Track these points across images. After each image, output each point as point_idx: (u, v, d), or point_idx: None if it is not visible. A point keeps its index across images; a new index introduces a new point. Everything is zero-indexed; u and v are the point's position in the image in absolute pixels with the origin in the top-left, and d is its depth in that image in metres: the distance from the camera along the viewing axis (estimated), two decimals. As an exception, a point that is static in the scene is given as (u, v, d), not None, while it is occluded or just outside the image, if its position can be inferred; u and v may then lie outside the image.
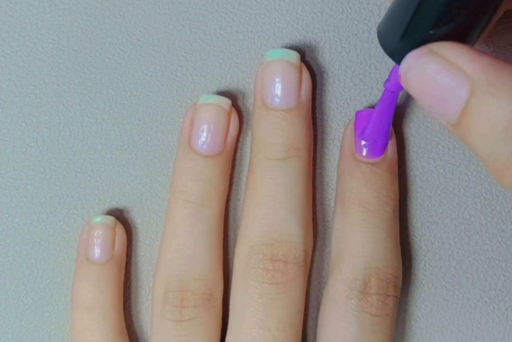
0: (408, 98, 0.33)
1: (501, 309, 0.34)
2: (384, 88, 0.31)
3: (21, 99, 0.34)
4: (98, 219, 0.33)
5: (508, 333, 0.34)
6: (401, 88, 0.30)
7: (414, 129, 0.34)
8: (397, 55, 0.27)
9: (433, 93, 0.25)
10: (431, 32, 0.26)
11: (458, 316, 0.34)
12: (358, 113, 0.33)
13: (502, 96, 0.23)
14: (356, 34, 0.33)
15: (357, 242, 0.32)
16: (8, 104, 0.34)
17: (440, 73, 0.24)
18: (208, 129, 0.32)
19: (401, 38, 0.26)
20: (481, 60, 0.24)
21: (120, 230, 0.33)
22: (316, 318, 0.34)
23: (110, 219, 0.33)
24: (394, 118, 0.33)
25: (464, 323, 0.34)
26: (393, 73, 0.30)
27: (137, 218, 0.34)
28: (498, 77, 0.24)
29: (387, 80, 0.30)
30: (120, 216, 0.34)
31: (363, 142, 0.32)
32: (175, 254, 0.32)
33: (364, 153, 0.32)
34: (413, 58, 0.25)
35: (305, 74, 0.32)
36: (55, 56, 0.34)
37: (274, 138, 0.32)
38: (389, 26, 0.27)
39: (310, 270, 0.33)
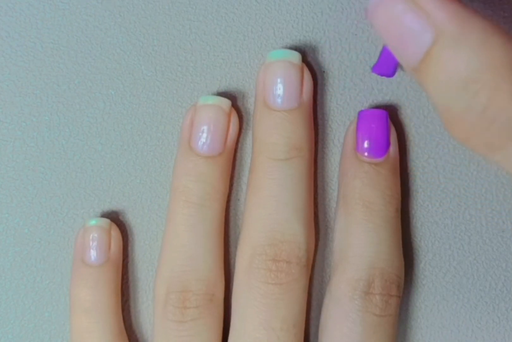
0: (408, 98, 0.33)
1: (501, 309, 0.34)
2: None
3: (21, 99, 0.34)
4: (93, 222, 0.33)
5: (508, 333, 0.34)
6: (390, 74, 0.30)
7: (414, 130, 0.34)
8: None
9: (397, 34, 0.24)
10: None
11: (458, 316, 0.34)
12: (360, 113, 0.33)
13: (464, 49, 0.23)
14: (356, 34, 0.33)
15: (361, 242, 0.32)
16: (8, 104, 0.34)
17: (407, 15, 0.24)
18: (208, 130, 0.32)
19: None
20: (450, 6, 0.24)
21: (115, 232, 0.33)
22: (317, 317, 0.34)
23: (105, 221, 0.33)
24: (394, 119, 0.33)
25: (464, 323, 0.34)
26: (382, 56, 0.29)
27: (137, 219, 0.34)
28: (463, 28, 0.23)
29: (374, 64, 0.30)
30: (120, 216, 0.34)
31: (365, 142, 0.32)
32: (176, 254, 0.32)
33: (366, 153, 0.32)
34: None
35: (307, 74, 0.32)
36: (55, 56, 0.34)
37: (276, 138, 0.32)
38: None
39: (312, 270, 0.33)
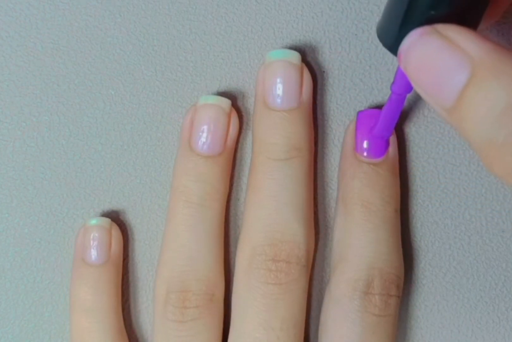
0: (408, 99, 0.33)
1: (501, 309, 0.34)
2: (390, 91, 0.30)
3: (21, 99, 0.34)
4: (93, 221, 0.33)
5: (508, 333, 0.34)
6: (407, 90, 0.30)
7: (414, 130, 0.34)
8: (397, 48, 0.26)
9: (433, 73, 0.24)
10: (427, 21, 0.25)
11: (458, 316, 0.34)
12: (360, 113, 0.33)
13: (503, 79, 0.23)
14: (356, 34, 0.33)
15: (360, 242, 0.32)
16: (8, 104, 0.34)
17: (442, 52, 0.24)
18: (208, 130, 0.32)
19: (399, 30, 0.26)
20: (484, 43, 0.24)
21: (116, 231, 0.33)
22: (316, 317, 0.34)
23: (106, 221, 0.33)
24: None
25: (464, 323, 0.34)
26: (398, 75, 0.29)
27: (137, 218, 0.34)
28: (500, 60, 0.23)
29: (393, 82, 0.30)
30: (119, 216, 0.34)
31: (365, 143, 0.32)
32: (176, 254, 0.32)
33: (365, 153, 0.32)
34: (416, 36, 0.25)
35: (306, 74, 0.32)
36: (55, 56, 0.34)
37: (276, 138, 0.32)
38: (386, 20, 0.27)
39: (312, 270, 0.33)
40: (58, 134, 0.34)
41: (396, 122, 0.32)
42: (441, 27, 0.24)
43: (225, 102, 0.33)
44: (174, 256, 0.32)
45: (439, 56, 0.24)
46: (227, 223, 0.34)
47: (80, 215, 0.34)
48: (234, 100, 0.33)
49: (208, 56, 0.34)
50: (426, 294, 0.34)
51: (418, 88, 0.25)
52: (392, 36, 0.27)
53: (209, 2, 0.33)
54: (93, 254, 0.33)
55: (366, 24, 0.33)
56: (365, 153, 0.32)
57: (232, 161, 0.34)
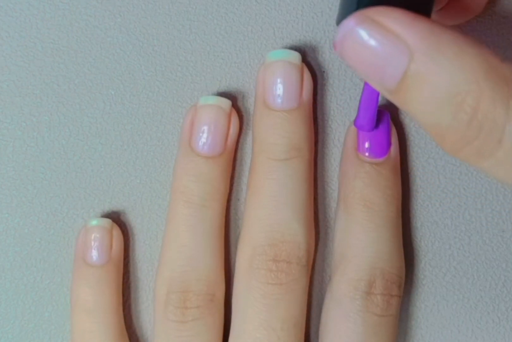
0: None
1: (501, 309, 0.34)
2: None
3: (21, 99, 0.34)
4: (94, 222, 0.33)
5: (508, 334, 0.34)
6: (369, 128, 0.31)
7: (414, 130, 0.34)
8: None
9: (371, 61, 0.24)
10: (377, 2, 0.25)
11: (458, 316, 0.34)
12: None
13: (441, 64, 0.23)
14: (356, 34, 0.33)
15: (362, 242, 0.32)
16: (8, 104, 0.34)
17: (378, 41, 0.24)
18: (208, 130, 0.32)
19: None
20: (419, 25, 0.24)
21: (117, 232, 0.33)
22: (316, 317, 0.34)
23: (107, 221, 0.33)
24: (394, 119, 0.33)
25: (464, 323, 0.34)
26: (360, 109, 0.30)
27: (137, 219, 0.34)
28: (436, 43, 0.23)
29: (355, 118, 0.31)
30: (120, 217, 0.34)
31: (366, 142, 0.32)
32: (177, 255, 0.32)
33: (367, 153, 0.32)
34: (349, 26, 0.25)
35: (306, 74, 0.32)
36: (55, 56, 0.34)
37: (276, 138, 0.32)
38: (341, 8, 0.27)
39: (312, 270, 0.33)
40: (58, 134, 0.34)
41: (374, 112, 0.31)
42: (374, 13, 0.24)
43: (225, 103, 0.33)
44: (175, 256, 0.32)
45: (375, 46, 0.24)
46: (227, 223, 0.34)
47: (80, 215, 0.34)
48: (234, 101, 0.33)
49: (208, 56, 0.34)
50: (426, 294, 0.34)
51: (358, 74, 0.26)
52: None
53: (209, 2, 0.33)
54: (94, 254, 0.33)
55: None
56: (367, 153, 0.32)
57: (232, 161, 0.34)
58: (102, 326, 0.33)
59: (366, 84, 0.30)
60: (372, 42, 0.24)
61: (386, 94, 0.25)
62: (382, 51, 0.24)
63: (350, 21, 0.25)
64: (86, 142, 0.34)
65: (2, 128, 0.34)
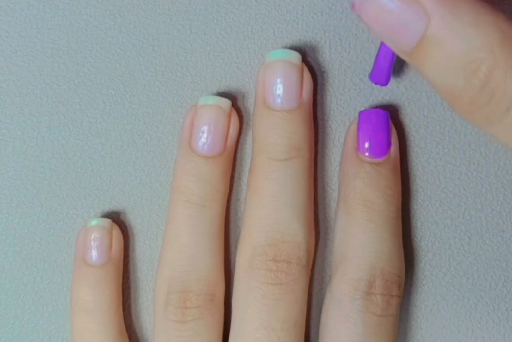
0: (408, 98, 0.33)
1: (501, 309, 0.34)
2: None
3: (21, 99, 0.34)
4: (94, 222, 0.33)
5: (508, 334, 0.34)
6: (384, 82, 0.31)
7: (414, 130, 0.34)
8: None
9: (389, 24, 0.25)
10: None
11: (458, 316, 0.34)
12: (361, 113, 0.33)
13: (458, 30, 0.24)
14: (356, 34, 0.33)
15: (362, 242, 0.32)
16: (8, 104, 0.34)
17: (397, 5, 0.25)
18: (208, 130, 0.32)
19: None
20: None
21: (116, 232, 0.33)
22: (316, 317, 0.34)
23: (107, 221, 0.33)
24: (394, 119, 0.33)
25: (464, 323, 0.34)
26: (376, 64, 0.30)
27: (137, 219, 0.34)
28: (454, 9, 0.24)
29: (370, 73, 0.30)
30: (119, 217, 0.34)
31: (366, 142, 0.32)
32: (177, 255, 0.32)
33: (367, 153, 0.32)
34: None
35: (306, 74, 0.32)
36: (55, 56, 0.34)
37: (276, 138, 0.32)
38: None
39: (312, 270, 0.33)
40: (58, 134, 0.34)
41: (390, 66, 0.31)
42: None
43: (225, 103, 0.33)
44: (175, 256, 0.32)
45: (394, 8, 0.25)
46: (227, 223, 0.34)
47: (80, 215, 0.34)
48: (234, 101, 0.33)
49: (208, 56, 0.34)
50: (426, 294, 0.34)
51: (376, 34, 0.26)
52: None
53: (209, 2, 0.33)
54: (94, 254, 0.33)
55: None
56: (367, 153, 0.32)
57: (233, 161, 0.34)
58: (102, 326, 0.33)
59: None
60: (392, 5, 0.25)
61: (402, 55, 0.26)
62: (400, 15, 0.25)
63: None
64: (86, 142, 0.34)
65: (2, 128, 0.34)
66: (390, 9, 0.25)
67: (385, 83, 0.32)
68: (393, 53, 0.31)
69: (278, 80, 0.32)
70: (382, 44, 0.31)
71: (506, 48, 0.24)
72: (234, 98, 0.33)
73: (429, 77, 0.26)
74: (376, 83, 0.32)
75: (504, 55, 0.24)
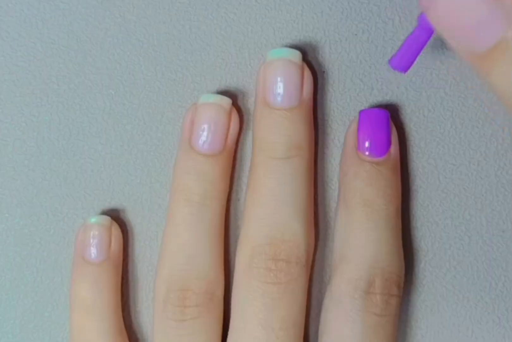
0: (408, 98, 0.33)
1: (502, 310, 0.34)
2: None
3: (21, 99, 0.34)
4: (93, 219, 0.33)
5: (508, 334, 0.34)
6: (405, 69, 0.29)
7: (414, 130, 0.34)
8: None
9: (463, 22, 0.23)
10: None
11: (458, 317, 0.34)
12: (361, 112, 0.33)
13: None
14: (356, 34, 0.33)
15: (361, 241, 0.32)
16: (8, 104, 0.34)
17: (477, 3, 0.23)
18: (208, 128, 0.32)
19: None
20: None
21: (116, 230, 0.33)
22: (316, 317, 0.34)
23: (106, 219, 0.33)
24: (394, 119, 0.33)
25: (464, 324, 0.34)
26: (402, 50, 0.29)
27: (137, 217, 0.34)
28: None
29: (392, 57, 0.29)
30: (119, 215, 0.34)
31: (366, 142, 0.32)
32: (176, 253, 0.32)
33: (367, 152, 0.32)
34: None
35: (307, 73, 0.32)
36: (55, 56, 0.34)
37: (276, 137, 0.32)
38: None
39: (312, 270, 0.33)
40: (58, 134, 0.34)
41: (417, 55, 0.30)
42: None
43: (226, 101, 0.33)
44: (174, 255, 0.32)
45: (472, 6, 0.23)
46: (227, 222, 0.34)
47: (80, 215, 0.34)
48: (235, 100, 0.33)
49: (208, 56, 0.34)
50: (426, 294, 0.34)
51: (443, 32, 0.24)
52: None
53: (209, 2, 0.33)
54: (93, 252, 0.33)
55: (366, 24, 0.33)
56: (367, 152, 0.32)
57: (233, 160, 0.34)
58: (100, 324, 0.33)
59: (419, 26, 0.29)
60: (471, 2, 0.23)
61: (467, 56, 0.24)
62: (479, 14, 0.23)
63: None
64: (86, 142, 0.34)
65: (2, 128, 0.34)
66: (468, 7, 0.23)
67: (405, 70, 0.30)
68: (426, 42, 0.29)
69: (279, 79, 0.32)
70: (416, 29, 0.29)
71: None
72: (234, 98, 0.33)
73: (494, 84, 0.24)
74: (395, 68, 0.30)
75: None
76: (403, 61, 0.30)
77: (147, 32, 0.34)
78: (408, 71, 0.31)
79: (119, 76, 0.34)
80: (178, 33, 0.34)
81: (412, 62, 0.30)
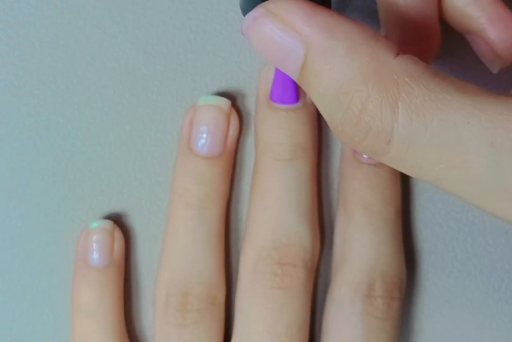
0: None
1: (505, 312, 0.34)
2: None
3: (20, 99, 0.34)
4: (95, 224, 0.33)
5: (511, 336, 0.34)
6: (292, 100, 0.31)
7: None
8: None
9: (273, 51, 0.25)
10: None
11: (462, 319, 0.34)
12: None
13: (332, 61, 0.23)
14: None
15: (361, 244, 0.32)
16: (7, 104, 0.34)
17: (277, 33, 0.24)
18: (207, 131, 0.32)
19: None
20: (317, 19, 0.24)
21: (118, 234, 0.33)
22: (319, 321, 0.33)
23: (108, 223, 0.33)
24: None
25: (467, 326, 0.34)
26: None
27: (137, 221, 0.34)
28: (330, 39, 0.23)
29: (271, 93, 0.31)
30: (119, 219, 0.34)
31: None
32: (177, 257, 0.32)
33: (365, 155, 0.32)
34: (250, 20, 0.25)
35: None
36: (55, 56, 0.34)
37: (281, 138, 0.32)
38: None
39: (316, 273, 0.33)
40: (57, 135, 0.34)
41: (292, 83, 0.31)
42: (273, 6, 0.24)
43: (225, 103, 0.32)
44: (175, 259, 0.32)
45: (274, 37, 0.24)
46: (227, 225, 0.34)
47: (80, 217, 0.34)
48: (234, 101, 0.33)
49: (208, 56, 0.33)
50: (429, 296, 0.34)
51: (267, 60, 0.26)
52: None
53: (209, 2, 0.33)
54: (96, 256, 0.33)
55: (366, 24, 0.33)
56: (364, 155, 0.32)
57: (233, 162, 0.33)
58: (103, 329, 0.32)
59: None
60: (272, 36, 0.24)
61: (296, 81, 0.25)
62: (281, 45, 0.24)
63: (252, 15, 0.25)
64: (86, 143, 0.34)
65: (2, 128, 0.34)
66: (271, 39, 0.24)
67: (295, 101, 0.31)
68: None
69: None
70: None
71: (379, 79, 0.23)
72: (234, 98, 0.33)
73: (316, 104, 0.25)
74: (282, 103, 0.31)
75: (378, 87, 0.23)
76: (285, 93, 0.31)
77: (147, 32, 0.33)
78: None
79: (119, 76, 0.34)
80: (178, 33, 0.33)
81: (293, 93, 0.31)
